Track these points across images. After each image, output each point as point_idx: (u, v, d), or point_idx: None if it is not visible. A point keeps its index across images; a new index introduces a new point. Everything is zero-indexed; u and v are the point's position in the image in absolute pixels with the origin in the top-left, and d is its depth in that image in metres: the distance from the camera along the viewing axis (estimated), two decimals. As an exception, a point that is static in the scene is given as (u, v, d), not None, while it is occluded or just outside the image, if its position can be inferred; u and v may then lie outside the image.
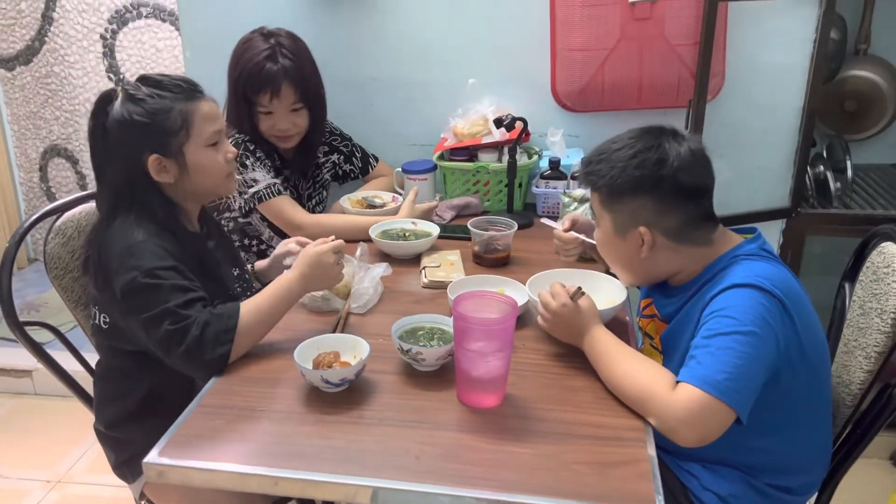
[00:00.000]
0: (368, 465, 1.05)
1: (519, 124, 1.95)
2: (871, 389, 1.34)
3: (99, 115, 1.36)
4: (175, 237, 1.38)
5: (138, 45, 3.20)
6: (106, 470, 1.54)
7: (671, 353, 1.31)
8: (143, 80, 1.38)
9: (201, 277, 1.38)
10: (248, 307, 1.31)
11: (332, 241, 1.41)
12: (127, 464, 1.48)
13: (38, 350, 1.50)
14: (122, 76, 3.25)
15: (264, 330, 1.34)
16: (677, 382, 1.12)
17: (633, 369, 1.17)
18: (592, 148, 1.32)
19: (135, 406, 1.45)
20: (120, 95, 1.35)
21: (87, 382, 1.57)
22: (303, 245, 1.57)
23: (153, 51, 3.20)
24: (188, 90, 1.38)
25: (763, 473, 1.27)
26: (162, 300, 1.26)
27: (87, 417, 1.56)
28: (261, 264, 1.71)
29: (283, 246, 1.64)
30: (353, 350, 1.27)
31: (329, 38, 2.22)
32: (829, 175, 2.22)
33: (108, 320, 1.42)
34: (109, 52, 3.24)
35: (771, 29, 2.04)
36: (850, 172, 2.24)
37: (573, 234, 1.53)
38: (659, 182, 1.21)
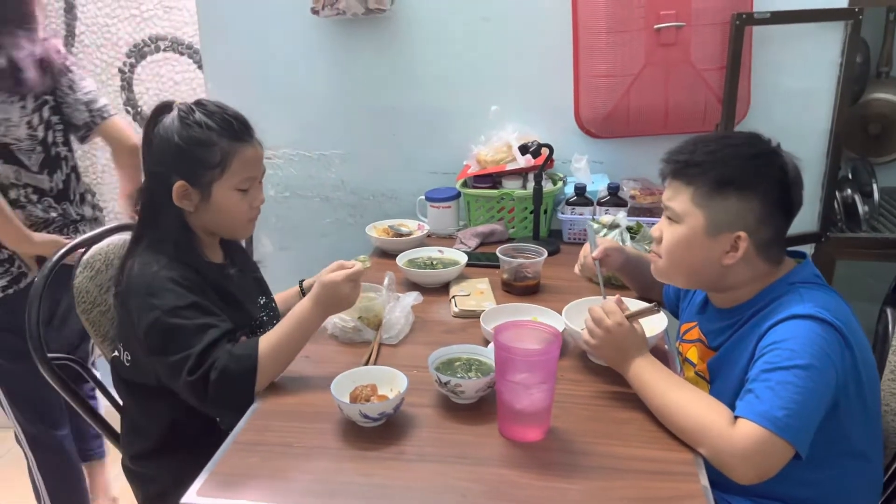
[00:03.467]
0: (413, 503, 1.01)
1: (545, 150, 1.94)
2: (922, 418, 1.31)
3: (151, 123, 1.38)
4: (190, 267, 1.35)
5: (156, 78, 3.22)
6: (131, 508, 1.51)
7: (719, 382, 1.27)
8: (199, 105, 1.38)
9: (222, 307, 1.37)
10: (268, 342, 1.29)
11: (350, 269, 1.34)
12: (155, 501, 1.46)
13: (65, 386, 1.48)
14: (139, 109, 3.27)
15: (287, 361, 1.31)
16: (735, 417, 1.09)
17: (688, 400, 1.13)
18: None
19: (158, 439, 1.43)
20: (174, 112, 1.36)
21: (113, 419, 1.54)
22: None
23: (171, 83, 3.22)
24: (238, 130, 1.38)
25: (813, 507, 1.22)
26: (185, 345, 1.25)
27: (113, 454, 1.53)
28: (309, 282, 1.67)
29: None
30: (390, 383, 1.23)
31: (351, 68, 2.22)
32: (858, 198, 2.18)
33: (130, 358, 1.40)
34: (127, 85, 3.25)
35: (796, 53, 2.03)
36: (876, 195, 2.20)
37: (595, 267, 1.50)
38: (775, 188, 1.19)
